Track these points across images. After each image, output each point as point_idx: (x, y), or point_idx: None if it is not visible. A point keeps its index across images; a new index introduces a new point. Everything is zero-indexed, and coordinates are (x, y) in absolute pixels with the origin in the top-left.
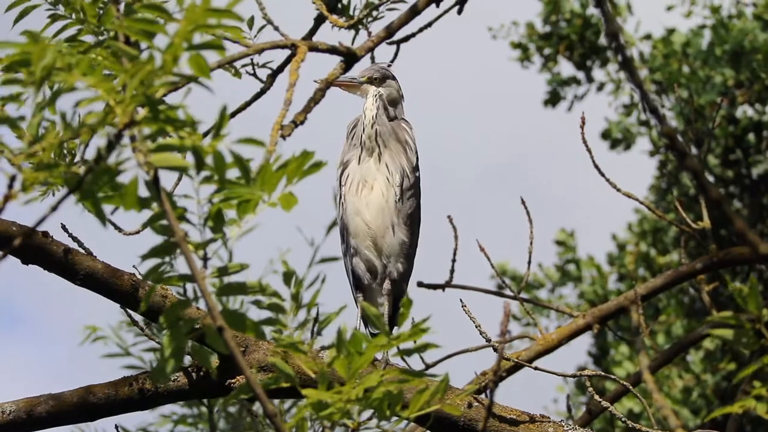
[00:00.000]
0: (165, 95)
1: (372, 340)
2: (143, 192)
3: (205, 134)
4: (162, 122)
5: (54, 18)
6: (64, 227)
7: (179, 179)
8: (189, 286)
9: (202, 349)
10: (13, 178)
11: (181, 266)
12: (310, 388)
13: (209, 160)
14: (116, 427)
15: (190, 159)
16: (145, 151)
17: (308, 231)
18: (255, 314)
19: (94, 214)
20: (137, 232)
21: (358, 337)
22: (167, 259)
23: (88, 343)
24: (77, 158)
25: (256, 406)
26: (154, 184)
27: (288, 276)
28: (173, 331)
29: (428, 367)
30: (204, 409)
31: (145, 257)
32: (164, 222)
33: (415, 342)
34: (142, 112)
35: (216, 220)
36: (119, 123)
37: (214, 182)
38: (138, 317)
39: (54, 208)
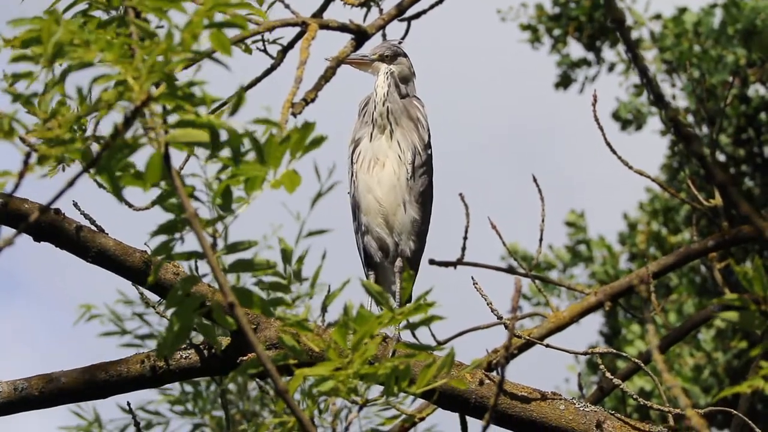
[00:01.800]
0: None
1: (376, 315)
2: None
3: (214, 111)
4: (179, 99)
5: None
6: (76, 204)
7: (187, 158)
8: (198, 263)
9: (208, 325)
10: (28, 155)
11: (189, 243)
12: (310, 365)
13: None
14: (128, 404)
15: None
16: (165, 127)
17: (298, 206)
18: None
19: (111, 189)
20: (147, 208)
21: (364, 314)
22: (176, 235)
23: (86, 312)
24: (90, 134)
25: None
26: (165, 161)
27: (286, 253)
28: (181, 307)
29: (439, 344)
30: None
31: (154, 234)
32: (174, 200)
33: (424, 314)
34: (159, 89)
35: (224, 198)
36: (136, 99)
37: (221, 160)
38: (152, 296)
39: (71, 184)
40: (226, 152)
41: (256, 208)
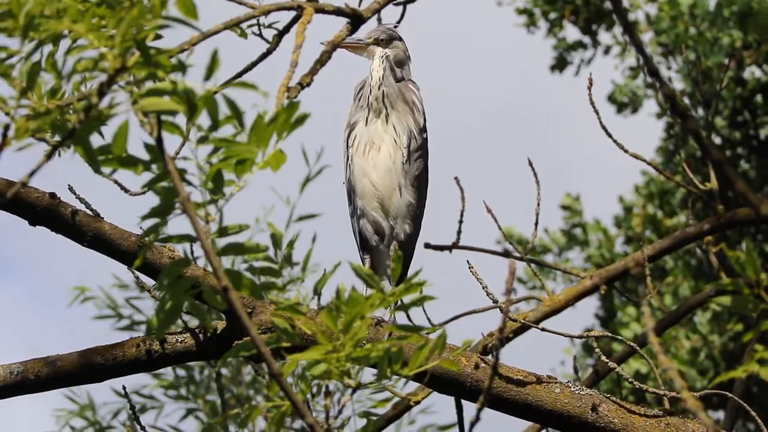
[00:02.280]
0: (173, 55)
1: (366, 296)
2: (144, 154)
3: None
4: (153, 66)
5: None
6: (71, 189)
7: (182, 145)
8: (188, 246)
9: (199, 305)
10: (7, 127)
11: (183, 227)
12: (303, 349)
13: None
14: (123, 388)
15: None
16: (137, 95)
17: (289, 190)
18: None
19: (87, 160)
20: (143, 193)
21: (355, 296)
22: (167, 218)
23: (80, 295)
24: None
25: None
26: (157, 145)
27: (276, 238)
28: (172, 289)
29: (434, 327)
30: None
31: (145, 217)
32: (165, 183)
33: (415, 293)
34: (133, 58)
35: (215, 181)
36: (110, 69)
37: (212, 142)
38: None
39: (49, 157)
40: (222, 131)
41: (246, 192)
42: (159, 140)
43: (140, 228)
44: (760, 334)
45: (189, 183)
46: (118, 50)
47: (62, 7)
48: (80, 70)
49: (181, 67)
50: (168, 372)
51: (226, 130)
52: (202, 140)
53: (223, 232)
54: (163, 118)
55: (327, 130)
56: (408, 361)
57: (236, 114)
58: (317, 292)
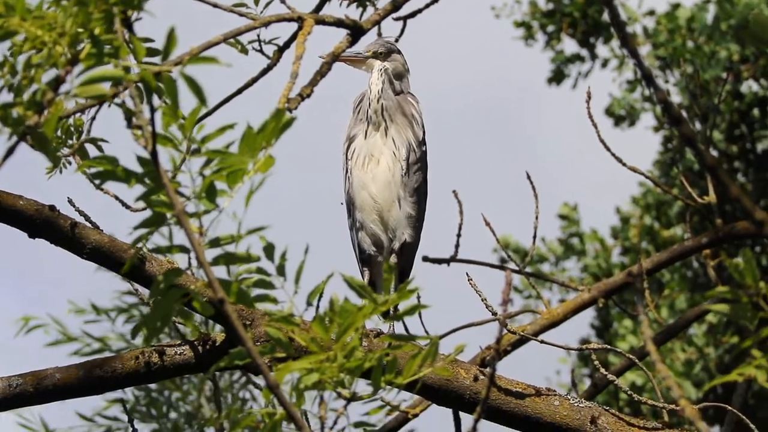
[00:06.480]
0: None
1: (358, 306)
2: (137, 167)
3: (205, 116)
4: (106, 56)
5: None
6: (71, 201)
7: (183, 161)
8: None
9: (188, 311)
10: None
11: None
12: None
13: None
14: (123, 404)
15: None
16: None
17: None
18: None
19: (45, 153)
20: (144, 209)
21: (348, 307)
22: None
23: (24, 325)
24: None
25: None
26: (152, 158)
27: (269, 249)
28: (165, 296)
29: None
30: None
31: (137, 227)
32: (160, 196)
33: (407, 300)
34: (84, 49)
35: (209, 193)
36: (60, 62)
37: (205, 154)
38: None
39: (9, 153)
40: (214, 144)
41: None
42: (154, 154)
43: (129, 236)
44: (758, 342)
45: (182, 195)
46: (66, 42)
47: (10, 4)
48: (33, 64)
49: (134, 53)
50: (126, 393)
51: (218, 143)
52: (195, 152)
53: (215, 243)
54: (158, 132)
55: (326, 142)
56: (402, 370)
57: (197, 92)
58: (310, 303)
